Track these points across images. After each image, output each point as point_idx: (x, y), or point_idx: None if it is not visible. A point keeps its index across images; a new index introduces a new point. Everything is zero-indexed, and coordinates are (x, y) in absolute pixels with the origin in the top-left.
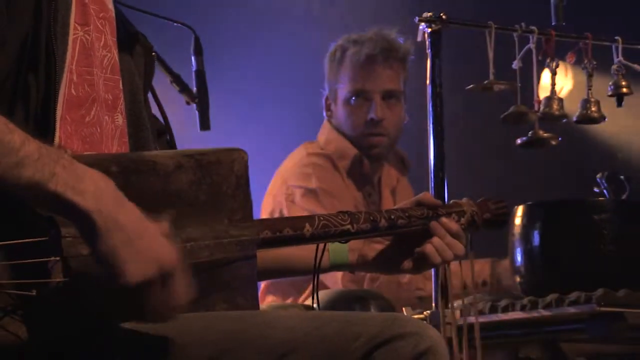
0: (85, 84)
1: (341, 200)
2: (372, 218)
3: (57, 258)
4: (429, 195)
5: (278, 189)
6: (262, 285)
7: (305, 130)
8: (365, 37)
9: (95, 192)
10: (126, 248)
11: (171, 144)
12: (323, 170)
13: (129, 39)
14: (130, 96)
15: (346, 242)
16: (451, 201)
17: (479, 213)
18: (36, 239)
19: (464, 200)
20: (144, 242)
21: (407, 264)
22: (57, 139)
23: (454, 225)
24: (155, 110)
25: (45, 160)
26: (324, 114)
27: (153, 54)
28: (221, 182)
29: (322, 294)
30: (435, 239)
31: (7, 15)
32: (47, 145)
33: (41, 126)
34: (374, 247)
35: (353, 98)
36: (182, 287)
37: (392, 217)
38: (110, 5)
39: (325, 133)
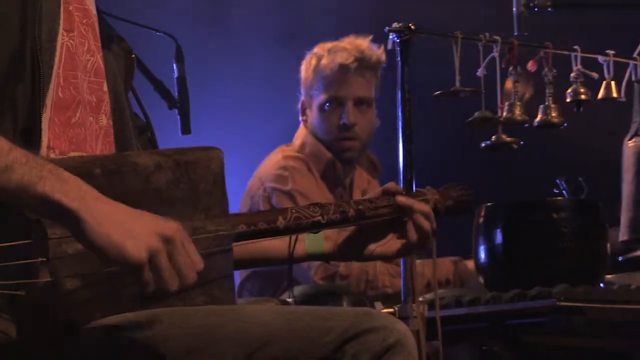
0: (71, 87)
1: (315, 201)
2: (341, 209)
3: (44, 259)
4: (394, 184)
5: (255, 190)
6: (238, 282)
7: (282, 133)
8: (340, 46)
9: (80, 193)
10: (119, 231)
11: (152, 141)
12: (298, 173)
13: (109, 42)
14: (113, 97)
15: (317, 232)
16: (415, 190)
17: (441, 201)
18: (24, 242)
19: (427, 188)
20: (137, 223)
21: (379, 250)
22: (45, 140)
23: (425, 207)
24: (136, 109)
25: (33, 164)
26: (300, 118)
27: (133, 55)
28: (199, 180)
29: (297, 289)
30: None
31: None
32: (31, 151)
33: (30, 128)
34: (346, 236)
35: (327, 104)
36: (190, 253)
37: (360, 207)
38: (94, 11)
39: (301, 137)
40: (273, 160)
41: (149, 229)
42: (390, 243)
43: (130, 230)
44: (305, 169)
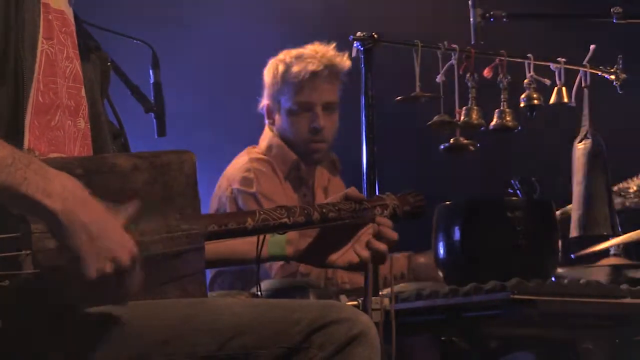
0: (50, 92)
1: (278, 202)
2: (306, 212)
3: (28, 252)
4: (355, 190)
5: (223, 191)
6: (210, 277)
7: (249, 136)
8: (307, 53)
9: (63, 194)
10: (87, 247)
11: (125, 146)
12: (263, 175)
13: (87, 51)
14: (90, 102)
15: (284, 233)
16: (375, 196)
17: (399, 206)
18: (8, 235)
19: (387, 194)
20: (103, 242)
21: (335, 257)
22: (26, 142)
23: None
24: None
25: (18, 165)
26: (266, 122)
27: (109, 63)
28: (172, 181)
29: (267, 283)
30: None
31: None
32: (18, 150)
33: (12, 131)
34: (308, 241)
35: (297, 108)
36: (134, 279)
37: (324, 210)
38: (72, 20)
39: (266, 139)
40: (240, 163)
41: (109, 251)
42: (348, 254)
43: (95, 246)
44: (271, 171)
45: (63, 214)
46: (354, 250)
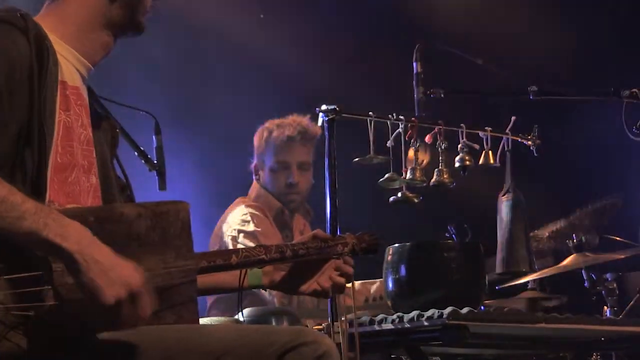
0: (67, 154)
1: (272, 240)
2: (280, 250)
3: (49, 287)
4: (321, 231)
5: (224, 232)
6: (208, 303)
7: (235, 190)
8: (286, 122)
9: (77, 238)
10: (101, 278)
11: (131, 197)
12: (259, 218)
13: (99, 119)
14: (101, 162)
15: (261, 267)
16: (337, 235)
17: (357, 243)
18: (34, 273)
19: (347, 234)
20: (115, 272)
21: (304, 287)
22: (47, 195)
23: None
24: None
25: (40, 214)
26: (253, 177)
27: (117, 130)
28: (170, 226)
29: (249, 310)
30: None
31: (9, 107)
32: (40, 203)
33: (36, 186)
34: (281, 274)
35: (276, 166)
36: (146, 302)
37: (295, 248)
38: (85, 95)
39: (255, 191)
40: (238, 209)
41: (122, 279)
42: (314, 284)
43: (109, 277)
44: (263, 215)
45: (78, 253)
46: (318, 282)
